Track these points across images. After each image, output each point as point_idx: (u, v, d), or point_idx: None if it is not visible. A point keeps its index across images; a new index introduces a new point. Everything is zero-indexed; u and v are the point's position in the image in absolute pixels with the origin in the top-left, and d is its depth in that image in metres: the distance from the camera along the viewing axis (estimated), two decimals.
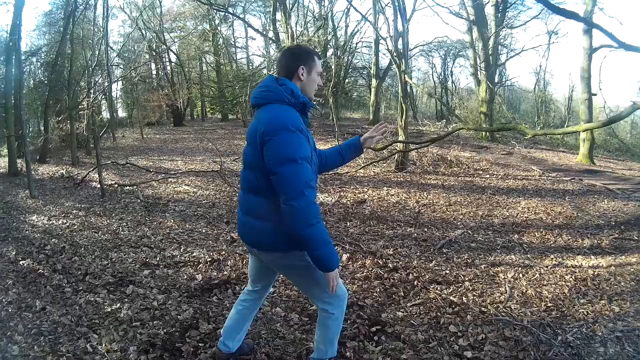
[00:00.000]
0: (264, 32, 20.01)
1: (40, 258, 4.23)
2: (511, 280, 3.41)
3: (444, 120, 16.31)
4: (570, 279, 3.42)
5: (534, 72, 22.67)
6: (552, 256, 4.02)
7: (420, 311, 2.91)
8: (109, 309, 3.09)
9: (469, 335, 2.59)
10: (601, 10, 11.53)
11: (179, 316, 2.93)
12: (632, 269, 3.59)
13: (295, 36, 13.82)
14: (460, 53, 24.93)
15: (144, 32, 15.29)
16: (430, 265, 3.78)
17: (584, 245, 4.38)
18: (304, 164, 1.63)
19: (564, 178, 8.36)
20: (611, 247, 4.32)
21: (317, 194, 6.53)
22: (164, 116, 22.86)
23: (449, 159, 9.75)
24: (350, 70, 23.99)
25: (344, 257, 3.95)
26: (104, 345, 2.58)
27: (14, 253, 4.42)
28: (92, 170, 8.22)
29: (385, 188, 7.25)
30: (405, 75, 9.14)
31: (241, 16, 20.40)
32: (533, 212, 5.75)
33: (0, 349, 2.61)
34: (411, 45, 20.59)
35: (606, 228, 4.98)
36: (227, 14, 17.75)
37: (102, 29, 9.50)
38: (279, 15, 15.74)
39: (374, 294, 3.19)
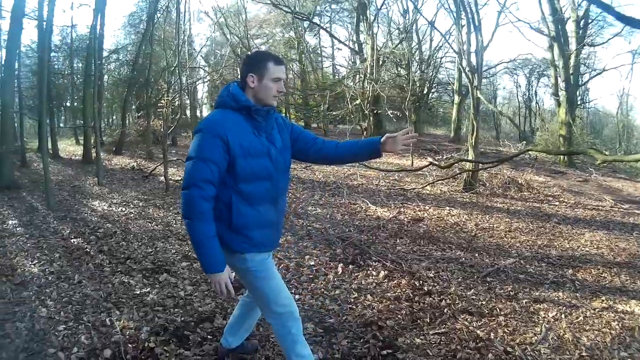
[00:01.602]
0: (347, 43, 20.01)
1: (90, 239, 4.62)
2: (550, 320, 3.03)
3: (524, 141, 15.33)
4: (616, 327, 2.96)
5: (616, 94, 20.59)
6: (603, 297, 3.53)
7: (441, 341, 2.69)
8: (139, 292, 3.29)
9: None
10: None
11: (200, 308, 3.03)
12: None
13: (377, 47, 13.73)
14: (544, 72, 23.40)
15: (228, 36, 16.01)
16: (468, 293, 3.50)
17: None
18: (199, 163, 1.70)
19: (636, 211, 7.48)
20: None
21: (376, 208, 6.50)
22: None
23: (520, 182, 9.11)
24: (434, 85, 23.35)
25: (381, 274, 3.81)
26: (122, 321, 2.76)
27: (68, 232, 4.87)
28: (160, 164, 8.79)
29: (447, 207, 6.94)
30: (478, 92, 8.72)
31: (327, 26, 20.59)
32: (595, 246, 5.16)
33: (32, 309, 2.92)
34: (495, 62, 19.50)
35: None
36: (311, 23, 18.02)
37: (184, 32, 10.15)
38: (362, 27, 15.73)
39: (399, 315, 3.03)
